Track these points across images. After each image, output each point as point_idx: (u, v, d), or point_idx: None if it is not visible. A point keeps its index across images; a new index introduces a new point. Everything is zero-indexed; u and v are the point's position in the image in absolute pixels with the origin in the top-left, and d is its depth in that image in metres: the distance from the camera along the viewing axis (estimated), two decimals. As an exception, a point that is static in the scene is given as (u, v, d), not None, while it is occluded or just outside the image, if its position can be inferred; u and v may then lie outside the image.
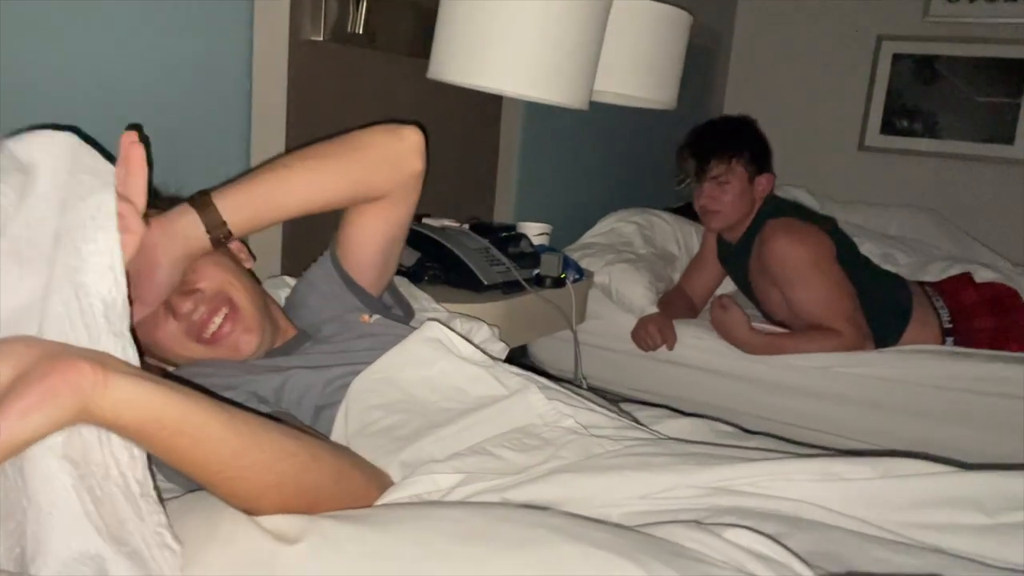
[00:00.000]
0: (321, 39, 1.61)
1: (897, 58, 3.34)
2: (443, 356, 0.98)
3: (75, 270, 0.60)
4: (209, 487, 0.64)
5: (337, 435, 0.91)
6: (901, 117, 3.38)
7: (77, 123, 0.98)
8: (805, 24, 3.42)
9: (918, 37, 3.29)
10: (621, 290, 2.10)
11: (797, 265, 1.92)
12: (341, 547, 0.60)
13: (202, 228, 0.91)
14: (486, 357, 1.02)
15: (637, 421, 1.03)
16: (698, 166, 2.06)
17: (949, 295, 2.08)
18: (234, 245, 1.15)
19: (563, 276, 1.83)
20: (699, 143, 2.09)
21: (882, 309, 2.01)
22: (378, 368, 0.96)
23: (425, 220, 1.81)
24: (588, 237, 2.38)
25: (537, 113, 2.26)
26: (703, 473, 0.76)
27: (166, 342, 1.00)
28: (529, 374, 1.02)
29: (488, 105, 2.11)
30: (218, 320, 0.99)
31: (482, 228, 1.87)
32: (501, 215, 2.21)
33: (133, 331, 0.84)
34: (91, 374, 0.52)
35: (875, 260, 2.24)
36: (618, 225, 2.39)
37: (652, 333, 2.02)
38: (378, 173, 1.05)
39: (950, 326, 2.04)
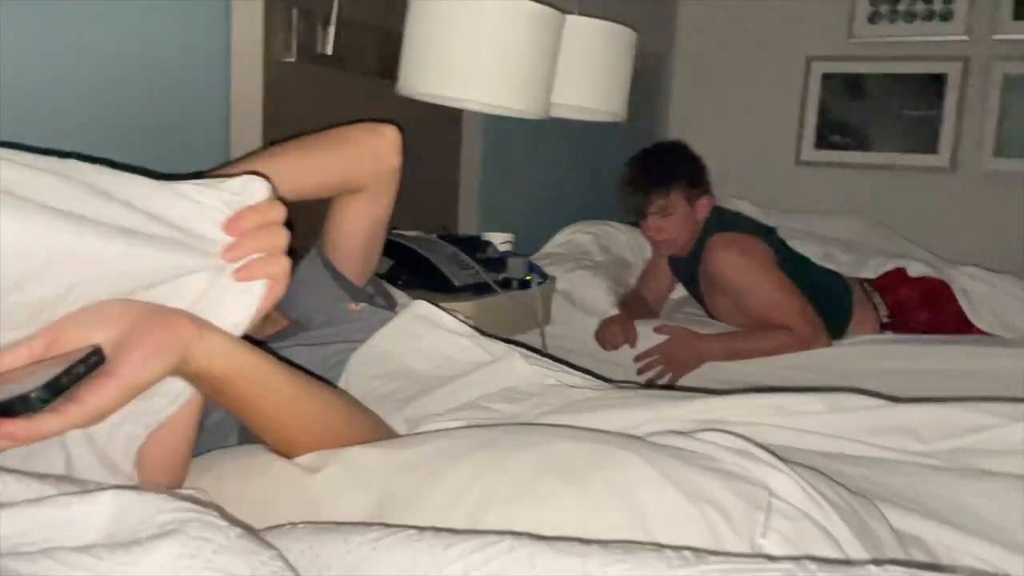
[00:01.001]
0: (293, 60, 1.70)
1: (827, 77, 3.55)
2: (431, 330, 1.07)
3: None
4: (265, 432, 0.73)
5: None
6: (833, 132, 3.58)
7: (55, 145, 1.06)
8: (741, 47, 3.63)
9: (844, 57, 3.51)
10: (582, 295, 2.21)
11: (741, 274, 2.06)
12: (362, 466, 0.68)
13: None
14: (471, 329, 1.11)
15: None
16: (639, 203, 2.20)
17: (886, 290, 2.24)
18: None
19: (529, 279, 1.94)
20: (636, 180, 2.23)
21: (825, 307, 2.15)
22: (374, 343, 1.05)
23: (395, 232, 1.90)
24: (548, 248, 2.49)
25: (496, 129, 2.38)
26: (675, 408, 0.86)
27: None
28: (511, 345, 1.12)
29: (450, 123, 2.23)
30: None
31: (449, 238, 1.98)
32: (465, 227, 2.31)
33: None
34: (192, 327, 0.61)
35: (816, 260, 2.40)
36: (575, 236, 2.52)
37: (615, 332, 2.13)
38: (358, 165, 1.13)
39: (888, 320, 2.19)
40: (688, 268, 2.26)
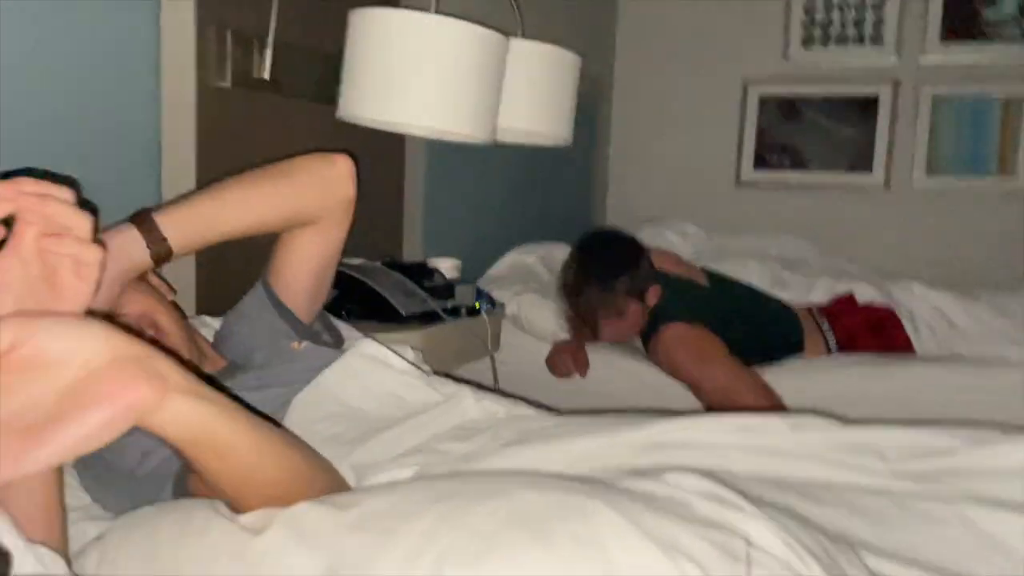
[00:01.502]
0: (228, 85, 1.64)
1: (764, 99, 3.61)
2: (380, 369, 1.02)
3: None
4: (217, 491, 0.67)
5: None
6: (772, 152, 3.64)
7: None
8: (679, 70, 3.67)
9: (780, 79, 3.57)
10: (530, 318, 2.17)
11: (690, 370, 1.98)
12: (308, 527, 0.63)
13: (143, 244, 0.93)
14: (419, 370, 1.07)
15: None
16: (589, 314, 2.09)
17: (834, 318, 2.24)
18: (154, 279, 1.16)
19: (477, 306, 1.90)
20: (581, 309, 2.08)
21: (779, 345, 2.16)
22: (318, 383, 0.99)
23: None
24: (493, 271, 2.46)
25: (439, 153, 2.34)
26: (634, 433, 0.83)
27: None
28: (462, 383, 1.07)
29: (392, 147, 2.18)
30: None
31: (395, 265, 1.92)
32: (410, 253, 2.26)
33: None
34: (151, 395, 0.54)
35: (766, 285, 2.41)
36: (520, 258, 2.49)
37: (565, 360, 2.09)
38: (310, 197, 1.10)
39: (836, 350, 2.20)
40: (641, 342, 2.21)
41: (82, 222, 0.59)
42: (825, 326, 2.21)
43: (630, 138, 3.75)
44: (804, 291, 2.41)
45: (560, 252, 2.58)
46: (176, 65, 1.55)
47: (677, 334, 2.03)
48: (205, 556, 0.62)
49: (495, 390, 1.10)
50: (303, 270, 1.16)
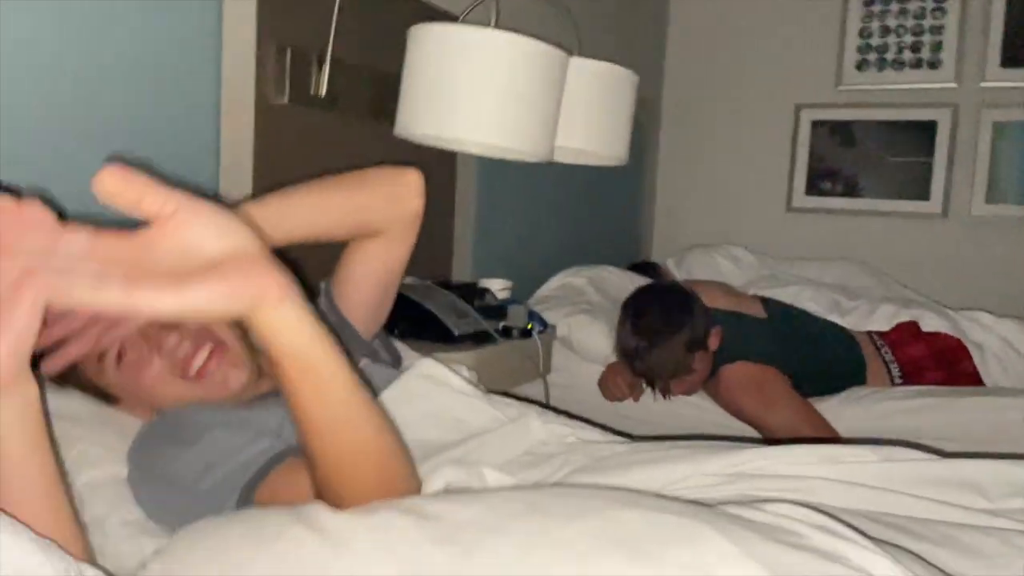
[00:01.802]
0: (285, 102, 1.64)
1: (816, 124, 3.55)
2: (440, 390, 0.99)
3: None
4: (305, 438, 0.66)
5: None
6: (824, 179, 3.57)
7: (53, 178, 0.99)
8: (730, 95, 3.63)
9: (833, 104, 3.51)
10: (582, 340, 2.13)
11: (752, 410, 1.92)
12: (388, 536, 0.59)
13: None
14: (480, 390, 1.03)
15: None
16: (662, 391, 2.01)
17: (898, 347, 2.15)
18: None
19: (529, 327, 1.86)
20: (646, 373, 1.98)
21: (839, 375, 2.06)
22: (377, 403, 0.96)
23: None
24: (541, 292, 2.42)
25: (490, 174, 2.32)
26: (714, 461, 0.78)
27: (151, 382, 0.98)
28: (524, 403, 1.04)
29: (443, 167, 2.17)
30: (203, 355, 0.98)
31: (446, 285, 1.90)
32: (459, 273, 2.24)
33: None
34: (276, 290, 0.58)
35: (823, 311, 2.33)
36: (569, 280, 2.45)
37: (619, 383, 2.04)
38: (379, 208, 1.09)
39: (900, 381, 2.10)
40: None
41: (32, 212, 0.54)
42: (888, 355, 2.12)
43: (679, 161, 3.71)
44: (864, 318, 2.32)
45: (609, 275, 2.55)
46: (236, 81, 1.55)
47: (738, 375, 1.96)
48: (279, 564, 0.58)
49: (558, 411, 1.06)
50: (367, 283, 1.15)
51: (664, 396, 2.01)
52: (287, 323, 0.59)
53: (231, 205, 1.00)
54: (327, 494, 0.68)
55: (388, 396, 0.97)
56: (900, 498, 0.77)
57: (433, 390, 0.97)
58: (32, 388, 0.61)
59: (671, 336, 1.93)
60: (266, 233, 0.95)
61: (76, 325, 0.87)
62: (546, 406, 1.08)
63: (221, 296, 0.55)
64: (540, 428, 0.94)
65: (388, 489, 0.68)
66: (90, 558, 0.70)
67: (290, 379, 0.62)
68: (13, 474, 0.61)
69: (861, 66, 3.46)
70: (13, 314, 0.53)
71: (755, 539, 0.53)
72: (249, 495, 0.80)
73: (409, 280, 1.86)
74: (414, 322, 1.71)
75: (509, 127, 1.49)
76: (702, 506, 0.60)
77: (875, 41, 3.44)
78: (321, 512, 0.62)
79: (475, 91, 1.46)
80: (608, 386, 2.07)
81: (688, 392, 2.03)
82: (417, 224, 1.16)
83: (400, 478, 0.69)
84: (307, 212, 1.01)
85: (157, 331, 0.97)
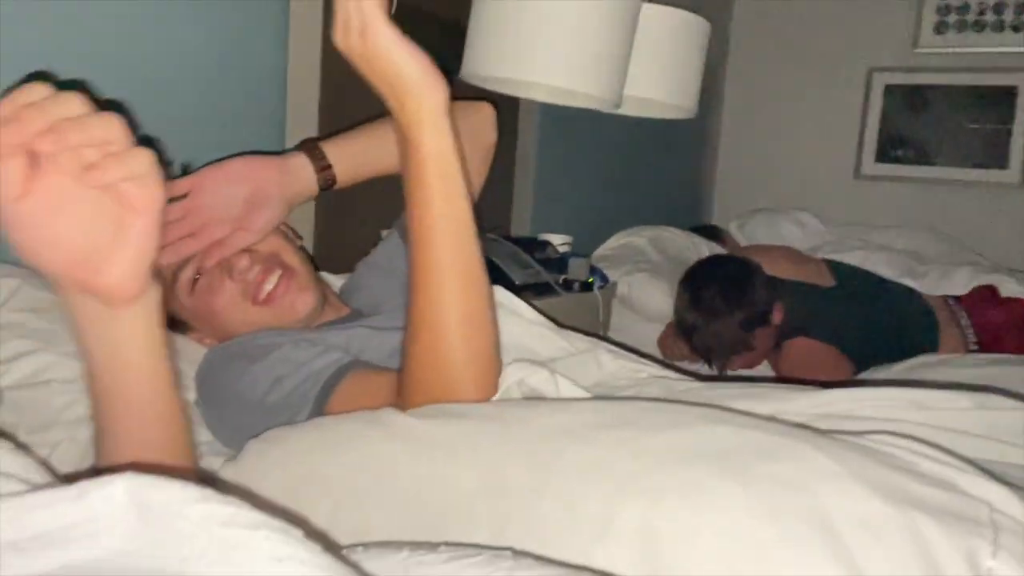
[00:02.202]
0: (352, 43, 1.62)
1: (889, 88, 3.42)
2: (510, 318, 0.97)
3: None
4: (420, 248, 0.74)
5: None
6: (895, 145, 3.44)
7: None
8: (798, 57, 3.51)
9: (908, 68, 3.37)
10: (641, 298, 2.09)
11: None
12: (469, 440, 0.57)
13: (312, 170, 0.98)
14: (550, 321, 1.01)
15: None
16: (719, 366, 1.95)
17: (975, 312, 2.05)
18: (283, 224, 1.14)
19: (591, 281, 1.83)
20: (705, 349, 1.93)
21: (911, 342, 1.96)
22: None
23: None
24: (601, 251, 2.39)
25: (552, 129, 2.29)
26: (793, 401, 0.74)
27: (223, 306, 0.99)
28: (594, 338, 1.01)
29: (505, 120, 2.14)
30: (273, 280, 0.99)
31: (506, 239, 1.88)
32: (518, 228, 2.21)
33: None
34: (441, 94, 0.76)
35: (895, 276, 2.23)
36: (629, 240, 2.41)
37: (679, 343, 2.00)
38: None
39: (976, 348, 2.01)
40: None
41: (110, 130, 0.51)
42: (964, 320, 2.03)
43: (742, 124, 3.61)
44: (938, 282, 2.22)
45: (670, 235, 2.50)
46: (304, 19, 1.54)
47: (800, 352, 1.91)
48: (355, 466, 0.57)
49: (628, 348, 1.03)
50: None
51: (722, 371, 1.97)
52: (443, 124, 0.73)
53: (305, 143, 1.03)
54: (416, 357, 0.71)
55: None
56: (1005, 448, 0.72)
57: (503, 317, 0.94)
58: (156, 293, 0.59)
59: (729, 314, 1.86)
60: (358, 167, 1.02)
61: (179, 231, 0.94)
62: (619, 345, 1.06)
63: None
64: (611, 361, 0.91)
65: (479, 356, 0.72)
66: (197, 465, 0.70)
67: (429, 183, 0.72)
68: (140, 381, 0.60)
69: (940, 28, 3.32)
70: (138, 223, 0.53)
71: (860, 459, 0.50)
72: (320, 406, 0.80)
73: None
74: (475, 270, 1.70)
75: (580, 69, 1.45)
76: (798, 425, 0.57)
77: (956, 2, 3.29)
78: (397, 417, 0.60)
79: (546, 30, 1.42)
80: (668, 345, 2.04)
81: (749, 367, 1.98)
82: (490, 157, 1.20)
83: (492, 344, 0.74)
84: (388, 146, 1.00)
85: (230, 256, 0.97)
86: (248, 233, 0.96)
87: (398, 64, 0.76)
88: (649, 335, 2.09)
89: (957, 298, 2.12)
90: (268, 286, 0.98)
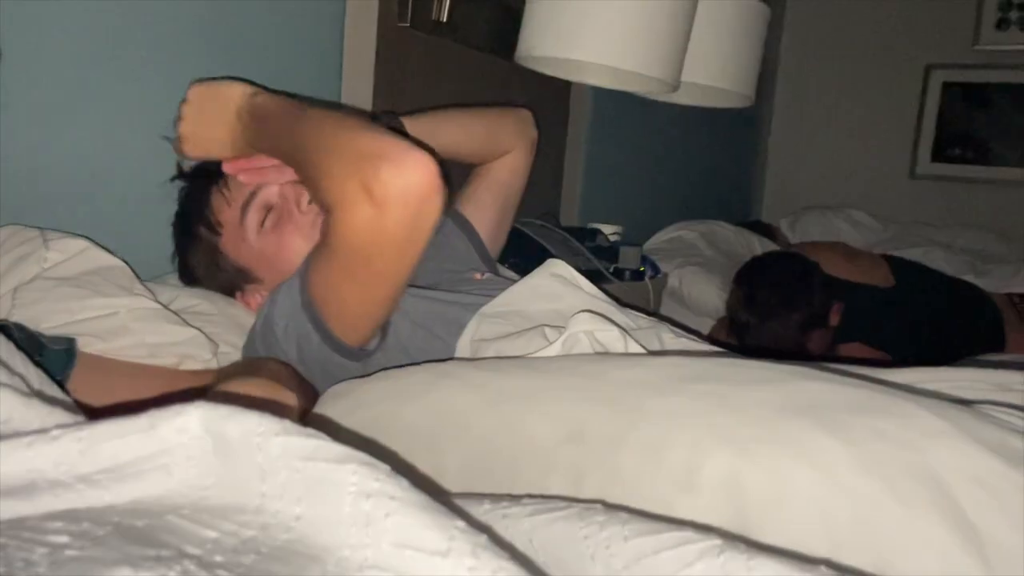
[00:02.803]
0: (407, 25, 1.61)
1: (947, 86, 3.32)
2: (570, 291, 0.94)
3: None
4: None
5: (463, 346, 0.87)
6: (952, 144, 3.34)
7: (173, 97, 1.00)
8: (853, 52, 3.43)
9: (968, 65, 3.28)
10: (693, 293, 2.05)
11: None
12: (547, 395, 0.54)
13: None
14: (610, 297, 0.98)
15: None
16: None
17: None
18: None
19: (642, 270, 1.80)
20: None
21: (975, 341, 1.89)
22: (504, 300, 0.93)
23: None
24: (651, 243, 2.35)
25: (603, 119, 2.26)
26: (878, 376, 0.70)
27: (290, 240, 0.98)
28: (654, 318, 0.98)
29: (557, 110, 2.11)
30: None
31: (557, 226, 1.86)
32: (566, 218, 2.18)
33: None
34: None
35: (957, 272, 2.15)
36: (680, 234, 2.36)
37: (731, 338, 1.95)
38: (508, 131, 1.27)
39: None
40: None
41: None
42: None
43: (794, 119, 3.53)
44: (1004, 280, 2.13)
45: (722, 230, 2.45)
46: (360, 4, 1.53)
47: (853, 356, 1.85)
48: (429, 412, 0.54)
49: (688, 329, 1.00)
50: (490, 202, 1.26)
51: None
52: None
53: (385, 114, 1.13)
54: None
55: (515, 291, 0.93)
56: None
57: (562, 290, 0.92)
58: None
59: (786, 314, 1.79)
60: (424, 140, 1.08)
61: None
62: (679, 325, 1.02)
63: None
64: (673, 340, 0.88)
65: None
66: None
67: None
68: None
69: (1001, 24, 3.21)
70: None
71: (969, 418, 0.46)
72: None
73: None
74: (526, 256, 1.67)
75: (636, 50, 1.42)
76: (898, 385, 0.53)
77: (1020, -3, 3.19)
78: (469, 369, 0.58)
79: (602, 9, 1.39)
80: (720, 340, 1.99)
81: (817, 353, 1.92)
82: (534, 150, 1.31)
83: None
84: (455, 129, 1.18)
85: (297, 189, 0.99)
86: None
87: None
88: (699, 328, 2.04)
89: (1022, 296, 2.04)
90: None
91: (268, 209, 0.99)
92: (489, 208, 1.25)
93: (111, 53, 1.12)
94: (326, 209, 0.83)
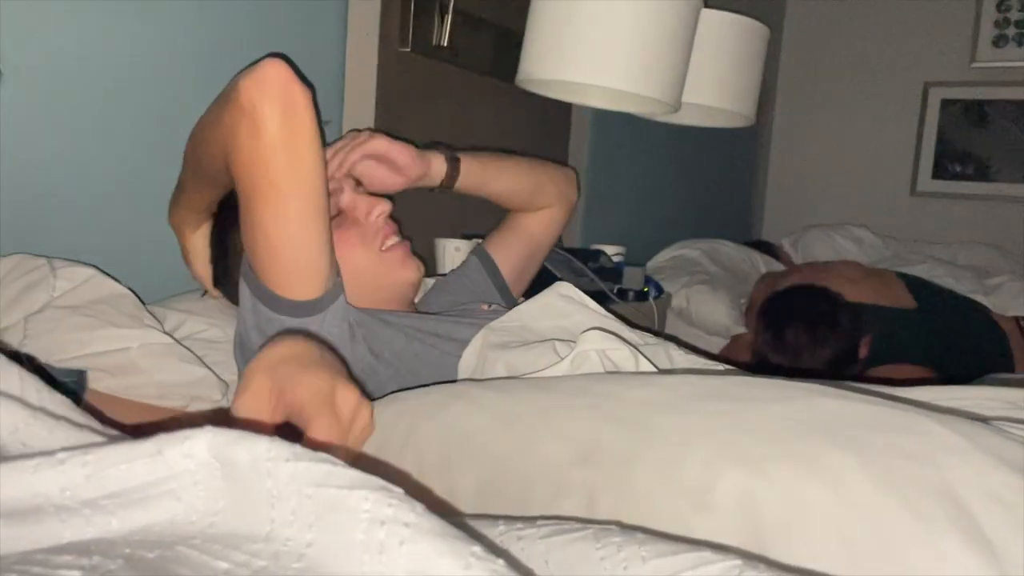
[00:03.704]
0: (408, 50, 1.62)
1: (946, 103, 3.34)
2: (578, 310, 0.94)
3: None
4: None
5: (465, 365, 0.87)
6: (952, 161, 3.35)
7: (182, 113, 1.01)
8: (852, 71, 3.44)
9: (966, 82, 3.29)
10: (702, 311, 2.04)
11: None
12: (559, 415, 0.54)
13: (445, 167, 1.12)
14: (616, 317, 0.98)
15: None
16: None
17: None
18: None
19: (646, 290, 1.79)
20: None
21: (988, 364, 1.86)
22: (512, 316, 0.93)
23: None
24: (654, 263, 2.34)
25: (603, 140, 2.26)
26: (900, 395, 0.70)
27: (351, 241, 1.01)
28: (661, 336, 0.98)
29: (557, 132, 2.12)
30: (397, 239, 1.07)
31: (560, 247, 1.85)
32: (568, 239, 2.18)
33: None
34: None
35: (964, 290, 2.14)
36: (683, 252, 2.36)
37: (744, 356, 1.93)
38: (551, 190, 1.29)
39: None
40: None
41: None
42: None
43: (794, 138, 3.54)
44: (1010, 299, 2.12)
45: (725, 248, 2.45)
46: (362, 28, 1.54)
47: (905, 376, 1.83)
48: (440, 433, 0.54)
49: (697, 350, 1.00)
50: (520, 250, 1.29)
51: None
52: None
53: (438, 144, 1.17)
54: None
55: (525, 310, 0.94)
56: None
57: (571, 308, 0.92)
58: None
59: (818, 352, 1.73)
60: (475, 183, 1.16)
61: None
62: (684, 344, 1.02)
63: None
64: (682, 357, 0.88)
65: None
66: None
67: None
68: None
69: (999, 41, 3.24)
70: None
71: (986, 434, 0.45)
72: None
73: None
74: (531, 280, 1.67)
75: (637, 71, 1.42)
76: (913, 403, 0.53)
77: (1015, 15, 3.21)
78: (480, 391, 0.57)
79: (603, 32, 1.40)
80: (733, 358, 1.97)
81: None
82: (572, 212, 1.35)
83: None
84: (506, 178, 1.22)
85: (371, 201, 1.05)
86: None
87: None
88: (707, 347, 2.03)
89: None
90: (391, 240, 1.05)
91: (337, 213, 1.03)
92: (516, 255, 1.28)
93: (112, 81, 1.12)
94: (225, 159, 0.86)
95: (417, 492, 0.35)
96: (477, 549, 0.31)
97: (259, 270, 0.87)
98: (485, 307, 1.15)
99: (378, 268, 1.02)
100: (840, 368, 1.75)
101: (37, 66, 1.03)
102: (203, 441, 0.36)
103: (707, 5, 1.75)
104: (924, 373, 1.80)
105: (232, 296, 1.05)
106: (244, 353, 0.95)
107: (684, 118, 1.84)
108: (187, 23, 1.22)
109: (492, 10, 1.81)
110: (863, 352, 1.80)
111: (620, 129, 2.29)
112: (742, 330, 2.00)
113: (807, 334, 1.75)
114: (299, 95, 0.84)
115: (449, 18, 1.68)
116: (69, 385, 0.83)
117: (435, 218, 1.75)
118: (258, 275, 0.88)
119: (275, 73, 0.83)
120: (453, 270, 1.33)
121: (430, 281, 1.47)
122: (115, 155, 1.14)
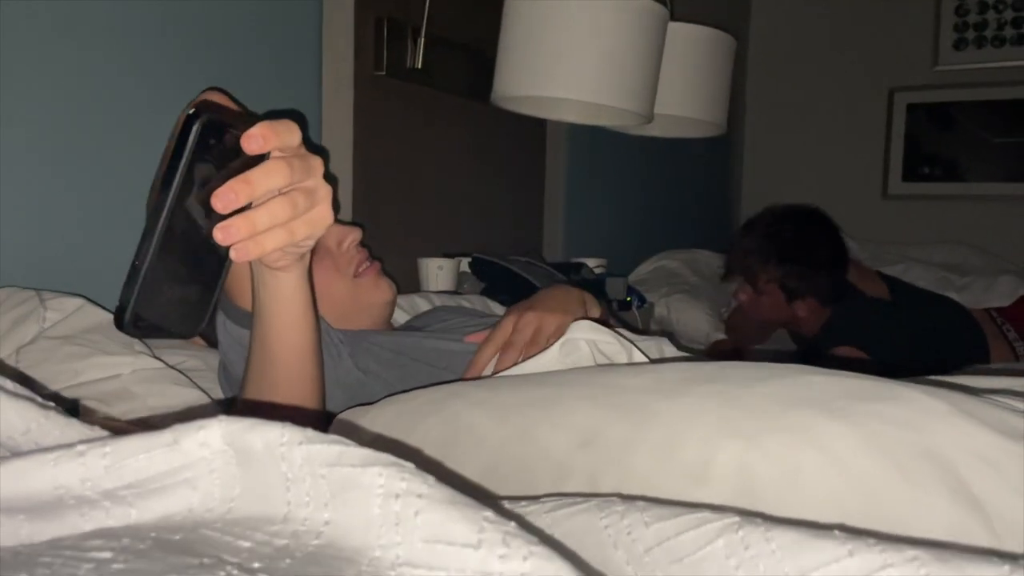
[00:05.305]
0: (383, 74, 1.65)
1: (912, 107, 3.41)
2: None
3: None
4: None
5: None
6: (922, 164, 3.42)
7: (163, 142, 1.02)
8: (819, 79, 3.51)
9: (929, 86, 3.37)
10: (683, 320, 2.07)
11: None
12: (560, 404, 0.55)
13: None
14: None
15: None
16: (751, 281, 2.01)
17: (1019, 321, 2.00)
18: None
19: (628, 300, 1.82)
20: (729, 261, 2.03)
21: (964, 355, 1.92)
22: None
23: (487, 255, 1.81)
24: (635, 274, 2.37)
25: (580, 155, 2.30)
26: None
27: (326, 271, 1.04)
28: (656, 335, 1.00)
29: (533, 147, 2.15)
30: (368, 263, 1.09)
31: (542, 261, 1.88)
32: (550, 253, 2.21)
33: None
34: None
35: (937, 288, 2.18)
36: (663, 263, 2.39)
37: (748, 324, 1.95)
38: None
39: None
40: (806, 346, 2.05)
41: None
42: (1011, 333, 1.98)
43: (766, 148, 3.60)
44: (981, 294, 2.17)
45: (704, 257, 2.48)
46: (336, 53, 1.56)
47: (846, 358, 1.87)
48: (439, 429, 0.55)
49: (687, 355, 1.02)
50: None
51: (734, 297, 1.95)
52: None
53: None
54: None
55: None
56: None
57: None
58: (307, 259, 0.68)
59: (815, 273, 1.88)
60: None
61: None
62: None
63: None
64: (674, 351, 0.90)
65: None
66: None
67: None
68: (292, 333, 0.69)
69: (959, 45, 3.32)
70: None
71: (971, 400, 0.47)
72: None
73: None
74: (513, 293, 1.69)
75: (608, 84, 1.46)
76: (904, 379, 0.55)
77: (973, 18, 3.30)
78: (475, 389, 0.59)
79: (573, 47, 1.44)
80: (735, 324, 2.00)
81: (755, 314, 1.94)
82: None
83: None
84: None
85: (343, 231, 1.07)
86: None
87: None
88: (689, 356, 2.05)
89: (1001, 310, 2.07)
90: (364, 264, 1.08)
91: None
92: None
93: (95, 108, 1.14)
94: None
95: (427, 466, 0.36)
96: (489, 514, 0.33)
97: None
98: (471, 338, 1.15)
99: (354, 293, 1.06)
100: (839, 270, 1.87)
101: (24, 103, 1.04)
102: (217, 429, 0.37)
103: (673, 18, 1.79)
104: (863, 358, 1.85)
105: (213, 339, 1.06)
106: (228, 378, 0.95)
107: (658, 129, 1.88)
108: (163, 53, 1.23)
109: (464, 32, 1.84)
110: (820, 315, 1.89)
111: (596, 144, 2.33)
112: (722, 336, 2.03)
113: (803, 232, 1.92)
114: None
115: (422, 41, 1.71)
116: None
117: (419, 238, 1.77)
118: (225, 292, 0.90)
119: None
120: (455, 298, 1.33)
121: (417, 298, 1.48)
122: (98, 186, 1.15)
